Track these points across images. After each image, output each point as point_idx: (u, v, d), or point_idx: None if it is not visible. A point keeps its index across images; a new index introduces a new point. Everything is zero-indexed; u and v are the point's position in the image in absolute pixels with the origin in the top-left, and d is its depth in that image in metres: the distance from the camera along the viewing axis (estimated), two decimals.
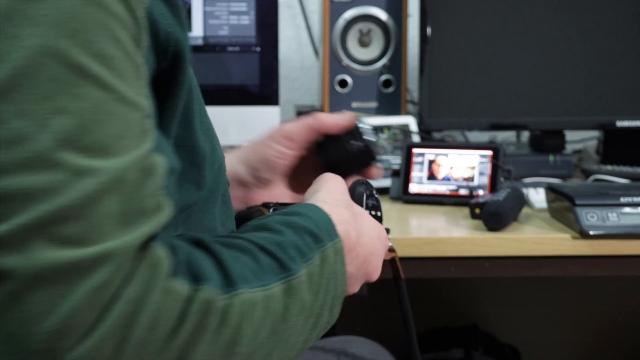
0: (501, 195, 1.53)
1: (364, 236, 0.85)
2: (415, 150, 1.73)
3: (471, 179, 1.69)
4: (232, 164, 1.04)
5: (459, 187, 1.69)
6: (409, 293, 0.99)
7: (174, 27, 0.69)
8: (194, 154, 0.75)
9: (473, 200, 1.56)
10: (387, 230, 0.94)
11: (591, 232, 1.44)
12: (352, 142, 1.01)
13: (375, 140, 1.02)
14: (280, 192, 1.04)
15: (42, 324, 0.56)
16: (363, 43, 1.93)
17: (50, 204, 0.56)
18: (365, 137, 1.01)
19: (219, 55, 1.84)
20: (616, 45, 1.89)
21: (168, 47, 0.69)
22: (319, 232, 0.77)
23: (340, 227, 0.80)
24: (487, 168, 1.69)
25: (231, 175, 1.02)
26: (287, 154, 1.04)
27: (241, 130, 1.84)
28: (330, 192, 0.86)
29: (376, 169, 1.04)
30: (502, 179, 1.69)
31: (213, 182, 0.80)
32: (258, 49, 1.85)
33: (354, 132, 1.02)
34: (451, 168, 1.70)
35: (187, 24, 0.76)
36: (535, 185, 1.74)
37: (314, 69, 2.23)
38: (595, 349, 2.33)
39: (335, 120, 1.03)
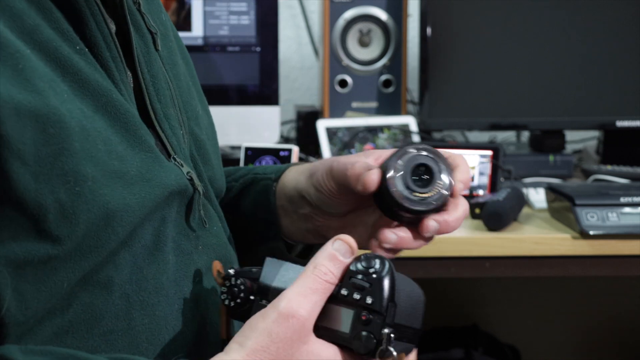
0: (501, 195, 1.53)
1: None
2: None
3: (471, 179, 1.69)
4: (300, 178, 0.94)
5: None
6: None
7: None
8: (19, 206, 0.66)
9: (473, 200, 1.56)
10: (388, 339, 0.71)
11: (591, 232, 1.44)
12: (392, 190, 0.79)
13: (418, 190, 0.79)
14: (355, 221, 0.90)
15: None
16: (363, 43, 1.93)
17: None
18: (396, 188, 0.79)
19: (219, 55, 1.84)
20: (616, 45, 1.89)
21: None
22: None
23: None
24: (487, 168, 1.69)
25: (297, 192, 0.94)
26: (327, 192, 0.90)
27: (241, 131, 1.84)
28: (250, 357, 0.71)
29: (430, 223, 0.81)
30: (502, 179, 1.69)
31: (90, 236, 0.71)
32: (258, 49, 1.85)
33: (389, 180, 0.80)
34: None
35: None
36: (535, 185, 1.74)
37: (314, 69, 2.23)
38: (595, 348, 2.33)
39: (351, 170, 0.83)
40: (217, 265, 0.78)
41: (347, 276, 0.73)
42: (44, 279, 0.68)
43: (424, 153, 0.80)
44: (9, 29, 0.68)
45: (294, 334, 0.70)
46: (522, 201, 1.56)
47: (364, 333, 0.71)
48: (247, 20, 1.84)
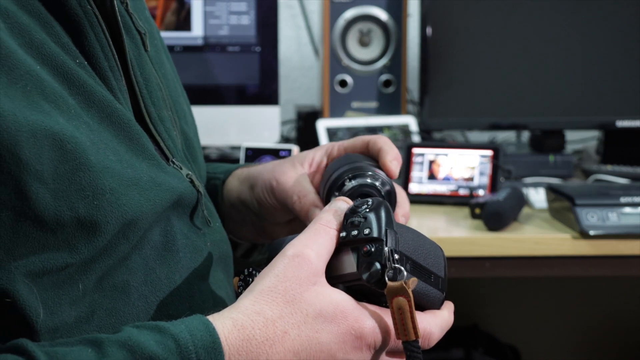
0: (501, 195, 1.53)
1: (298, 354, 0.69)
2: (415, 150, 1.73)
3: (471, 179, 1.69)
4: (243, 188, 0.98)
5: (459, 187, 1.69)
6: None
7: None
8: (38, 223, 0.67)
9: (473, 200, 1.56)
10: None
11: (591, 232, 1.44)
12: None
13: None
14: (301, 226, 0.92)
15: None
16: (363, 43, 1.93)
17: None
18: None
19: (219, 55, 1.84)
20: (616, 45, 1.89)
21: None
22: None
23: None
24: (487, 168, 1.69)
25: (240, 199, 0.98)
26: (269, 207, 0.95)
27: (241, 131, 1.84)
28: (259, 299, 0.70)
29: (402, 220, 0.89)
30: (502, 179, 1.69)
31: (106, 244, 0.71)
32: (258, 49, 1.85)
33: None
34: (451, 168, 1.70)
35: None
36: (535, 185, 1.74)
37: (314, 69, 2.23)
38: (595, 348, 2.33)
39: (299, 205, 0.90)
40: (235, 281, 0.79)
41: (345, 221, 0.74)
42: (60, 284, 0.69)
43: (359, 183, 0.84)
44: (19, 45, 0.69)
45: (302, 272, 0.70)
46: (522, 201, 1.56)
47: (368, 262, 0.71)
48: (247, 20, 1.84)
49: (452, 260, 1.46)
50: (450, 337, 2.25)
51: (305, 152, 0.96)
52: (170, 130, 0.85)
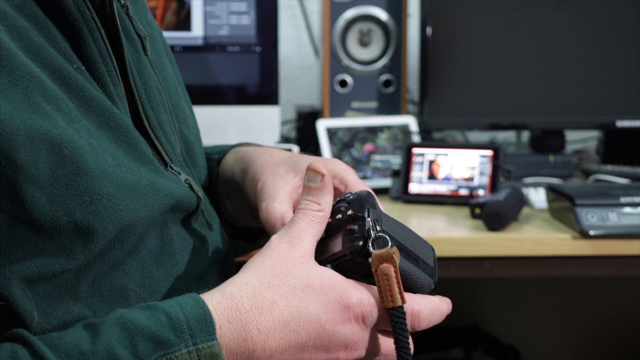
0: (501, 195, 1.53)
1: (288, 324, 0.70)
2: (415, 150, 1.73)
3: (471, 179, 1.69)
4: (236, 168, 0.98)
5: (459, 187, 1.69)
6: None
7: None
8: (34, 227, 0.67)
9: (473, 200, 1.56)
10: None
11: (591, 232, 1.44)
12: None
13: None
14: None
15: None
16: (363, 43, 1.93)
17: None
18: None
19: (219, 55, 1.84)
20: (616, 45, 1.89)
21: None
22: (171, 334, 0.66)
23: (225, 328, 0.69)
24: (487, 168, 1.69)
25: (233, 178, 0.98)
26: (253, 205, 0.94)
27: (241, 131, 1.84)
28: (248, 273, 0.72)
29: None
30: (502, 179, 1.69)
31: (101, 249, 0.71)
32: (258, 49, 1.85)
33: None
34: (451, 168, 1.70)
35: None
36: (535, 185, 1.74)
37: (314, 69, 2.23)
38: (595, 348, 2.33)
39: (266, 217, 0.86)
40: None
41: (332, 209, 0.78)
42: (56, 289, 0.70)
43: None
44: (19, 48, 0.69)
45: (287, 253, 0.73)
46: (522, 201, 1.56)
47: (352, 238, 0.74)
48: (247, 20, 1.84)
49: (452, 260, 1.46)
50: (450, 337, 2.26)
51: (307, 161, 0.92)
52: (169, 135, 0.85)
